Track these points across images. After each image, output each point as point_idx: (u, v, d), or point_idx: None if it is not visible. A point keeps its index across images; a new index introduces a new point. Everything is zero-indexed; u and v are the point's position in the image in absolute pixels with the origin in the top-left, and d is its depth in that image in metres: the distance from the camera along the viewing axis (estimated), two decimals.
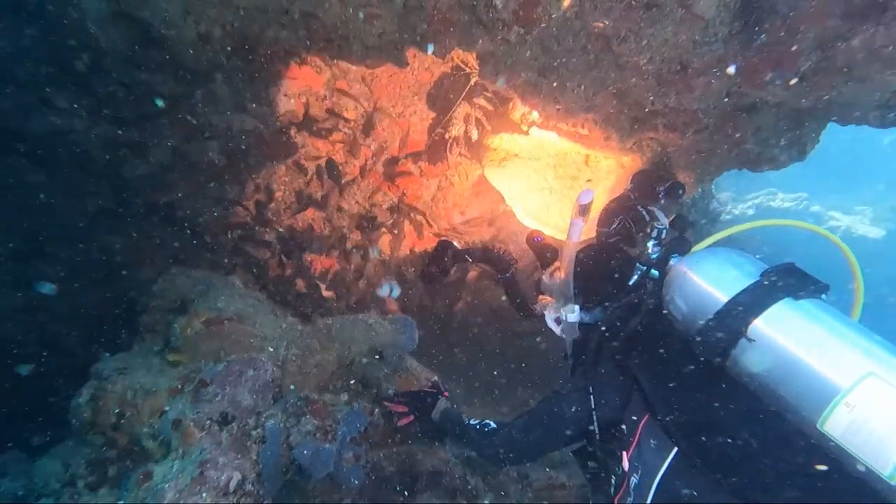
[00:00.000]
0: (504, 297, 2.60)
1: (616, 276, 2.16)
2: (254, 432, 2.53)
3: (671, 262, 2.02)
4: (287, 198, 5.39)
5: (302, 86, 4.84)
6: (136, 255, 4.07)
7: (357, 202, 5.84)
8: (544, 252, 2.41)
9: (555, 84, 3.28)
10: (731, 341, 1.61)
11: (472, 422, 2.43)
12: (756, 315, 1.58)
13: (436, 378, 3.38)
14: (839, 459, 1.42)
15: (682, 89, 3.07)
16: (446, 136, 5.16)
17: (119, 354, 3.15)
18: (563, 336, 2.27)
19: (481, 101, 4.71)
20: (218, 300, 3.40)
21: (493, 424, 2.33)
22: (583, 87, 3.33)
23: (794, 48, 2.69)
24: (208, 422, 2.41)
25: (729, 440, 1.57)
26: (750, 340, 1.58)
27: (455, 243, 2.62)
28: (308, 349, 3.11)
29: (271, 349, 3.06)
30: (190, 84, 3.62)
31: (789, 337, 1.53)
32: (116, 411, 2.64)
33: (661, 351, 1.87)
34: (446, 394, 2.95)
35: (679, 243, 2.09)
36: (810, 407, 1.46)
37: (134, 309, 3.68)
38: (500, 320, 6.74)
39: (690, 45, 2.81)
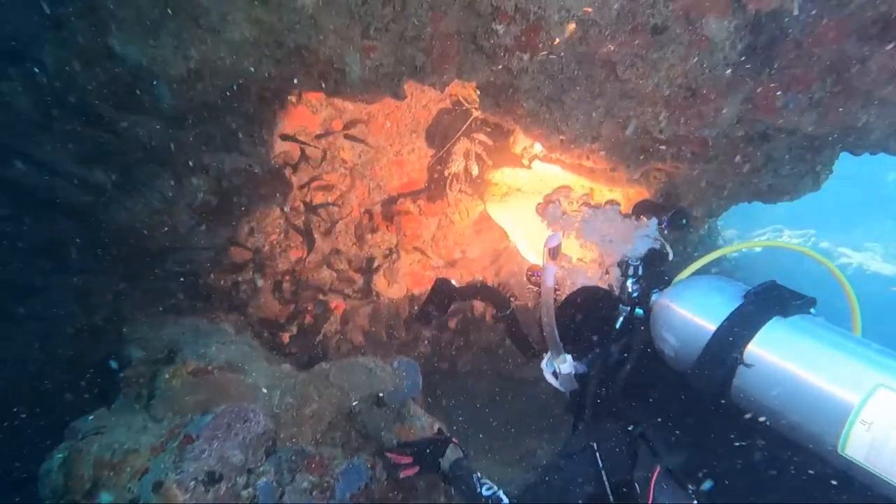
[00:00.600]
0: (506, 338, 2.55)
1: (601, 320, 2.10)
2: (244, 492, 2.33)
3: (653, 297, 1.95)
4: (282, 241, 5.30)
5: (297, 126, 4.82)
6: (121, 305, 3.92)
7: (354, 243, 5.75)
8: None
9: (559, 113, 3.23)
10: (728, 371, 1.56)
11: (483, 490, 2.27)
12: (748, 339, 1.54)
13: (439, 425, 3.19)
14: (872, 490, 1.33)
15: (692, 116, 3.02)
16: (445, 172, 5.11)
17: (99, 411, 2.95)
18: (561, 389, 2.20)
19: (481, 136, 4.68)
20: (208, 348, 3.24)
21: (504, 500, 2.18)
22: (588, 116, 3.28)
23: (808, 71, 2.65)
24: (193, 482, 2.21)
25: (749, 484, 1.50)
26: (748, 366, 1.52)
27: (453, 281, 2.57)
28: (304, 397, 2.93)
29: (264, 398, 2.87)
30: (180, 125, 3.57)
31: (787, 356, 1.48)
32: (91, 475, 2.43)
33: (661, 395, 1.81)
34: (455, 440, 2.75)
35: (657, 277, 2.05)
36: (826, 431, 1.38)
37: (118, 362, 3.50)
38: (499, 362, 6.56)
39: (699, 69, 2.77)
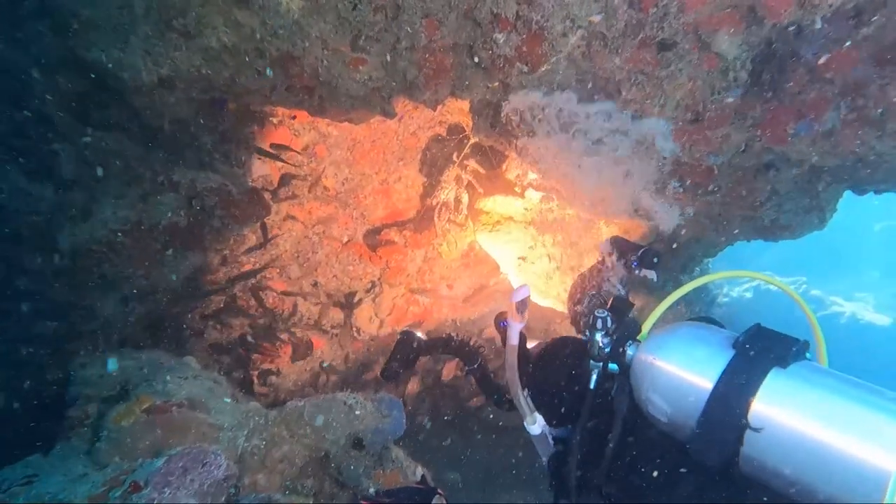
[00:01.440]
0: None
1: (572, 379, 1.99)
2: None
3: (629, 351, 1.82)
4: (256, 270, 5.06)
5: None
6: (72, 338, 3.62)
7: (335, 276, 5.52)
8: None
9: (555, 141, 3.12)
10: (735, 438, 1.43)
11: None
12: (750, 397, 1.42)
13: (423, 472, 2.94)
14: None
15: (698, 141, 2.92)
16: (433, 202, 4.97)
17: (32, 458, 2.63)
18: (539, 451, 2.09)
19: (472, 163, 4.57)
20: (166, 384, 2.96)
21: None
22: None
23: (821, 96, 2.58)
24: None
25: None
26: (756, 430, 1.40)
27: (419, 333, 2.49)
28: (274, 438, 2.66)
29: (228, 439, 2.59)
30: (149, 141, 3.38)
31: (800, 415, 1.37)
32: None
33: (656, 471, 1.65)
34: (441, 492, 2.50)
35: (627, 326, 1.90)
36: (863, 497, 1.26)
37: (62, 401, 3.18)
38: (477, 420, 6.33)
39: (707, 90, 2.69)
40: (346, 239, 5.52)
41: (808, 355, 1.55)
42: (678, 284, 6.52)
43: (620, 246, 2.23)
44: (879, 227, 21.05)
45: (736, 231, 4.15)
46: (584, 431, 1.85)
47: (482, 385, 2.46)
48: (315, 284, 5.48)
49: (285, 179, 4.90)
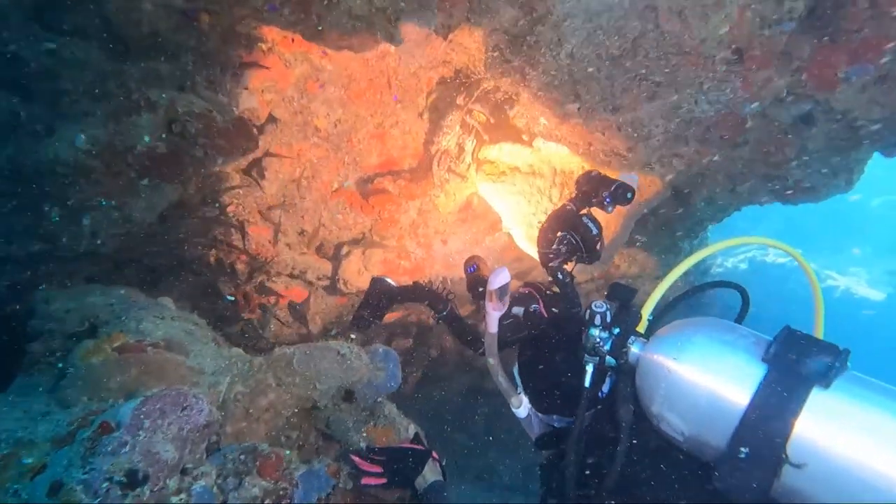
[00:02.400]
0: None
1: (563, 372, 1.84)
2: (175, 499, 1.88)
3: (632, 348, 1.65)
4: (239, 212, 4.81)
5: (266, 79, 4.37)
6: (33, 269, 3.37)
7: (323, 225, 5.30)
8: (476, 286, 2.33)
9: (580, 74, 2.90)
10: (773, 469, 1.29)
11: None
12: (789, 426, 1.27)
13: (418, 430, 2.82)
14: None
15: (737, 86, 2.73)
16: (433, 149, 4.73)
17: None
18: (526, 431, 2.05)
19: (478, 108, 4.32)
20: (141, 322, 2.76)
21: None
22: (611, 80, 2.97)
23: (880, 35, 2.39)
24: (105, 484, 1.74)
25: None
26: (797, 466, 1.25)
27: (390, 280, 2.47)
28: (259, 386, 2.49)
29: (209, 384, 2.42)
30: (121, 56, 3.09)
31: (850, 450, 1.21)
32: None
33: (667, 489, 1.51)
34: (435, 455, 2.38)
35: (627, 316, 1.74)
36: None
37: (24, 335, 2.96)
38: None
39: (757, 23, 2.47)
40: (335, 186, 5.28)
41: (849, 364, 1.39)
42: (679, 252, 6.44)
43: (594, 181, 2.06)
44: (878, 203, 21.14)
45: (753, 193, 4.02)
46: (581, 441, 1.69)
47: (454, 330, 2.43)
48: (301, 233, 5.26)
49: (273, 116, 4.62)
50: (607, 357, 1.69)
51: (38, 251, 3.32)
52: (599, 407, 1.78)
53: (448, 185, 4.81)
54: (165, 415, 1.97)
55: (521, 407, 1.98)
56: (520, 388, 2.04)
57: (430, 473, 2.24)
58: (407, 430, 2.82)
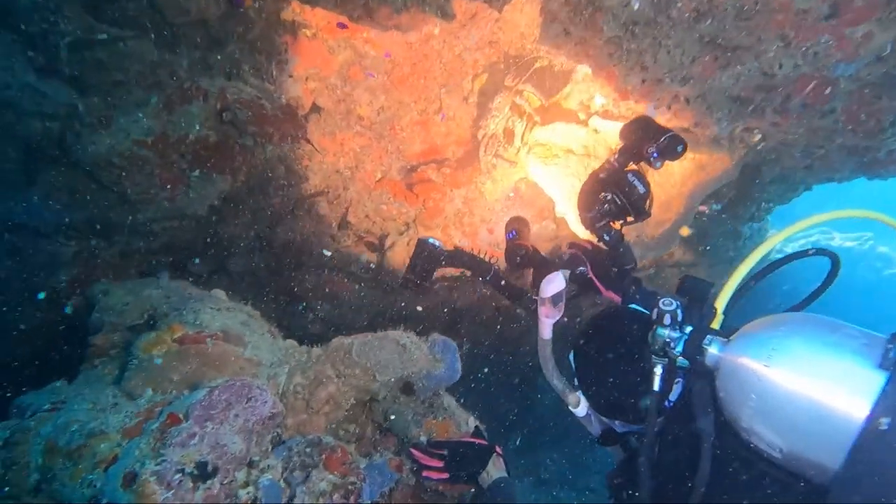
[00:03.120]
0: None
1: (631, 376, 1.66)
2: (243, 492, 1.88)
3: (710, 349, 1.47)
4: (284, 206, 4.83)
5: (310, 66, 4.36)
6: (89, 264, 3.44)
7: (367, 216, 5.28)
8: (514, 255, 2.23)
9: (647, 41, 2.77)
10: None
11: None
12: None
13: (478, 424, 2.75)
14: None
15: (828, 45, 2.54)
16: (479, 134, 4.64)
17: (55, 384, 2.48)
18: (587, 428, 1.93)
19: (528, 88, 4.21)
20: (198, 313, 2.78)
21: None
22: (681, 48, 2.83)
23: None
24: (178, 476, 1.74)
25: None
26: None
27: (434, 241, 2.38)
28: (318, 377, 2.47)
29: (269, 376, 2.41)
30: (171, 47, 3.10)
31: None
32: (40, 464, 1.96)
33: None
34: (499, 450, 2.31)
35: (699, 311, 1.59)
36: None
37: (84, 328, 3.03)
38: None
39: None
40: (379, 175, 5.25)
41: None
42: (739, 237, 6.19)
43: (639, 130, 1.89)
44: None
45: (833, 167, 3.79)
46: (652, 452, 1.55)
47: (501, 290, 2.33)
48: (346, 224, 5.25)
49: (317, 106, 4.62)
50: (678, 359, 1.54)
51: (94, 245, 3.39)
52: (667, 415, 1.63)
53: (495, 171, 4.72)
54: (231, 406, 1.97)
55: (580, 406, 1.85)
56: (577, 384, 1.91)
57: (495, 469, 2.19)
58: (467, 423, 2.77)
